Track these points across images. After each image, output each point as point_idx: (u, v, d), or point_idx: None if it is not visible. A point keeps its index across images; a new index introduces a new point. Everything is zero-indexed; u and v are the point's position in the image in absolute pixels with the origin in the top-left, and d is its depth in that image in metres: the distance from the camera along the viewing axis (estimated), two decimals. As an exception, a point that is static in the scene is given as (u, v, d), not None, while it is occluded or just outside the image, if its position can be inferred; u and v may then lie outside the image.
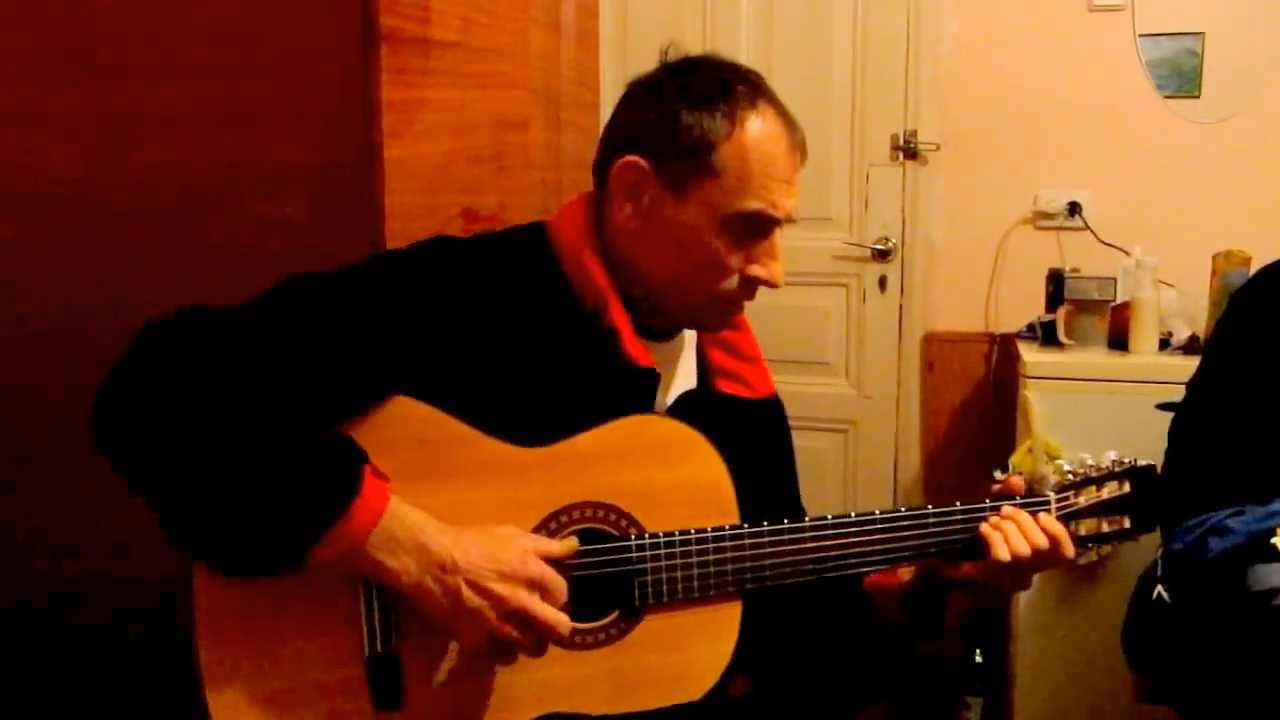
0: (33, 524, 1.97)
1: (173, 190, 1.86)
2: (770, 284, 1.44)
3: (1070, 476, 1.52)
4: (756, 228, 1.41)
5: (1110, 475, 1.52)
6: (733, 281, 1.43)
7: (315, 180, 1.78)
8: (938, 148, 3.51)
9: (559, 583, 1.30)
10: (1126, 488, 1.53)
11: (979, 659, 3.14)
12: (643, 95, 1.47)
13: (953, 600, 1.54)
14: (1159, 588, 1.94)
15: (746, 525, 1.41)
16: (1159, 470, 1.57)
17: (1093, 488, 1.52)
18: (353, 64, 1.74)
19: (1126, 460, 1.54)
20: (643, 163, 1.43)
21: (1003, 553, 1.42)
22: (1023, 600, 2.95)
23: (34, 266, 1.95)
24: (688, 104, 1.41)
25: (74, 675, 2.01)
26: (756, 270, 1.43)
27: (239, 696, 1.29)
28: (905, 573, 1.54)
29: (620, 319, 1.45)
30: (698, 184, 1.40)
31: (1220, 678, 1.83)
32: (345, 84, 1.75)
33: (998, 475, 1.51)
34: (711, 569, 1.39)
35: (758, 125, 1.40)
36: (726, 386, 1.58)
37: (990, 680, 3.13)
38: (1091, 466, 1.53)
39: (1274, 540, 1.80)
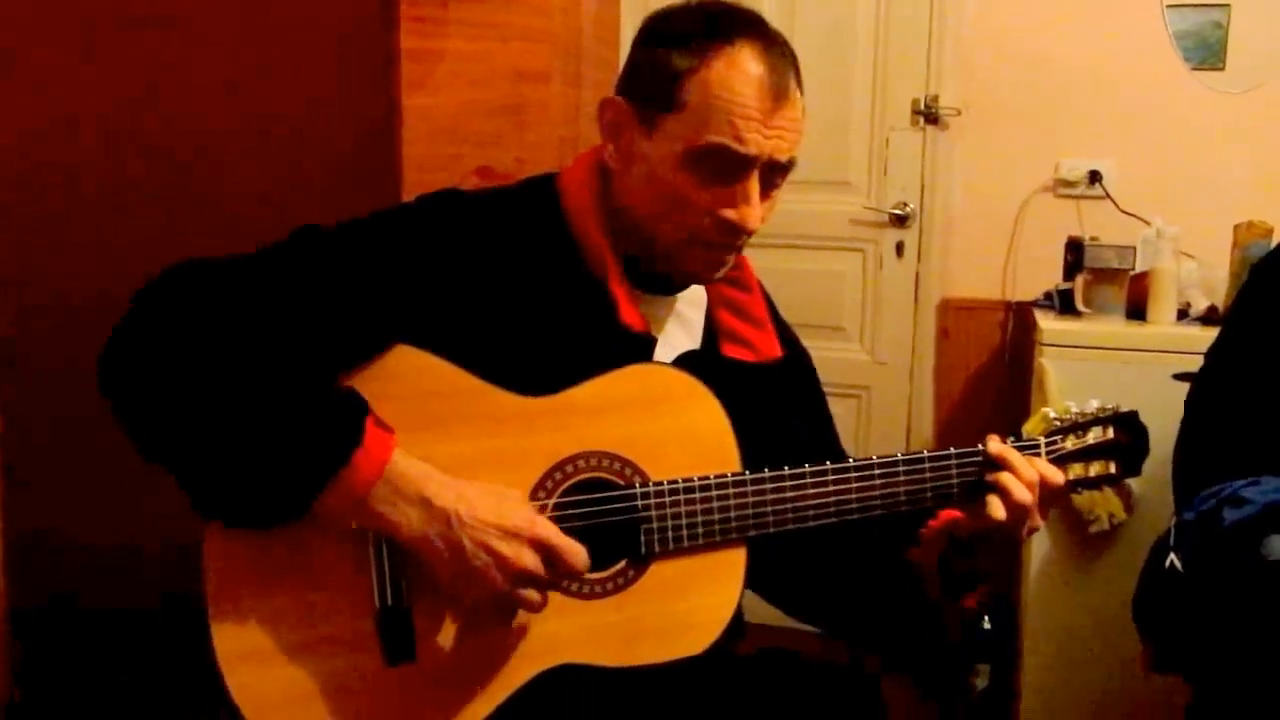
0: (45, 516, 1.99)
1: (186, 152, 1.86)
2: (739, 226, 1.40)
3: (1057, 423, 1.52)
4: (725, 165, 1.38)
5: (1095, 421, 1.53)
6: (704, 220, 1.40)
7: (333, 129, 1.77)
8: (959, 113, 3.48)
9: (571, 545, 1.30)
10: (1111, 433, 1.54)
11: (987, 626, 3.14)
12: (636, 37, 1.47)
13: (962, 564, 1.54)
14: (1172, 556, 1.94)
15: (749, 472, 1.41)
16: (1141, 417, 1.57)
17: (1079, 433, 1.52)
18: (371, 12, 1.73)
19: (1110, 407, 1.54)
20: (620, 101, 1.44)
21: (999, 511, 1.42)
22: (1032, 568, 2.95)
23: (36, 250, 1.96)
24: (663, 41, 1.41)
25: (91, 658, 2.03)
26: (727, 211, 1.39)
27: (249, 651, 1.30)
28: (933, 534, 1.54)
29: (616, 283, 1.44)
30: (664, 119, 1.39)
31: (1233, 647, 1.83)
32: (363, 32, 1.74)
33: (1010, 440, 1.50)
34: (716, 515, 1.40)
35: (725, 59, 1.36)
36: (730, 350, 1.57)
37: (999, 647, 3.13)
38: (1078, 413, 1.53)
39: (1289, 510, 1.80)
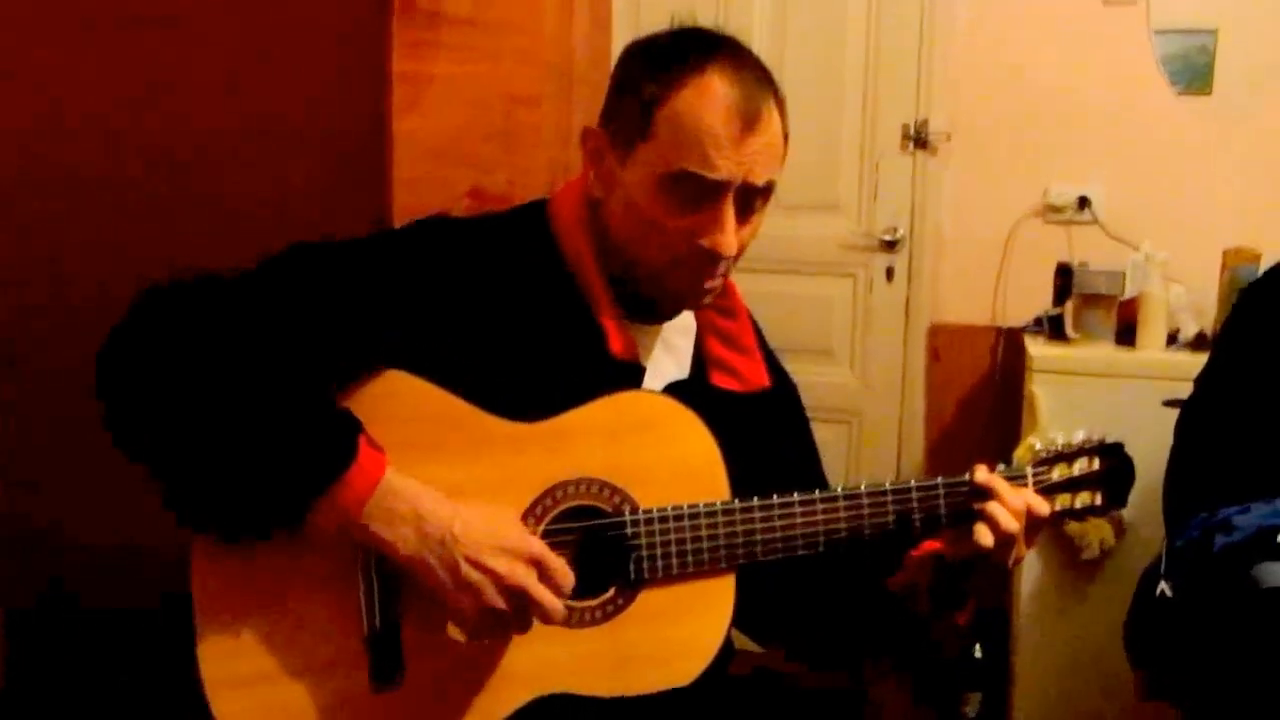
0: (45, 516, 1.98)
1: (185, 153, 1.86)
2: (715, 253, 1.39)
3: (1044, 453, 1.52)
4: (697, 191, 1.37)
5: (1081, 452, 1.53)
6: (680, 247, 1.40)
7: (325, 148, 1.77)
8: (948, 138, 3.49)
9: (562, 566, 1.30)
10: (1096, 464, 1.53)
11: (978, 654, 3.13)
12: (617, 65, 1.48)
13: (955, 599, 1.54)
14: (1163, 583, 1.94)
15: (738, 500, 1.41)
16: (1129, 448, 1.56)
17: (1065, 464, 1.52)
18: (364, 34, 1.73)
19: (1096, 438, 1.54)
20: (599, 130, 1.45)
21: (987, 538, 1.42)
22: (1023, 595, 2.95)
23: (36, 249, 1.95)
24: (638, 70, 1.41)
25: (91, 658, 2.03)
26: (701, 239, 1.39)
27: (236, 676, 1.28)
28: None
29: (605, 311, 1.44)
30: (640, 146, 1.39)
31: (1225, 674, 1.82)
32: (356, 54, 1.74)
33: (1000, 469, 1.50)
34: (705, 543, 1.39)
35: (695, 87, 1.36)
36: (719, 380, 1.57)
37: (990, 675, 3.13)
38: (1064, 444, 1.53)
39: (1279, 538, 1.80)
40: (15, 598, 2.01)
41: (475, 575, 1.25)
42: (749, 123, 1.36)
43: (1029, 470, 1.50)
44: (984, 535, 1.41)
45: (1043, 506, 1.46)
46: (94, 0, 1.88)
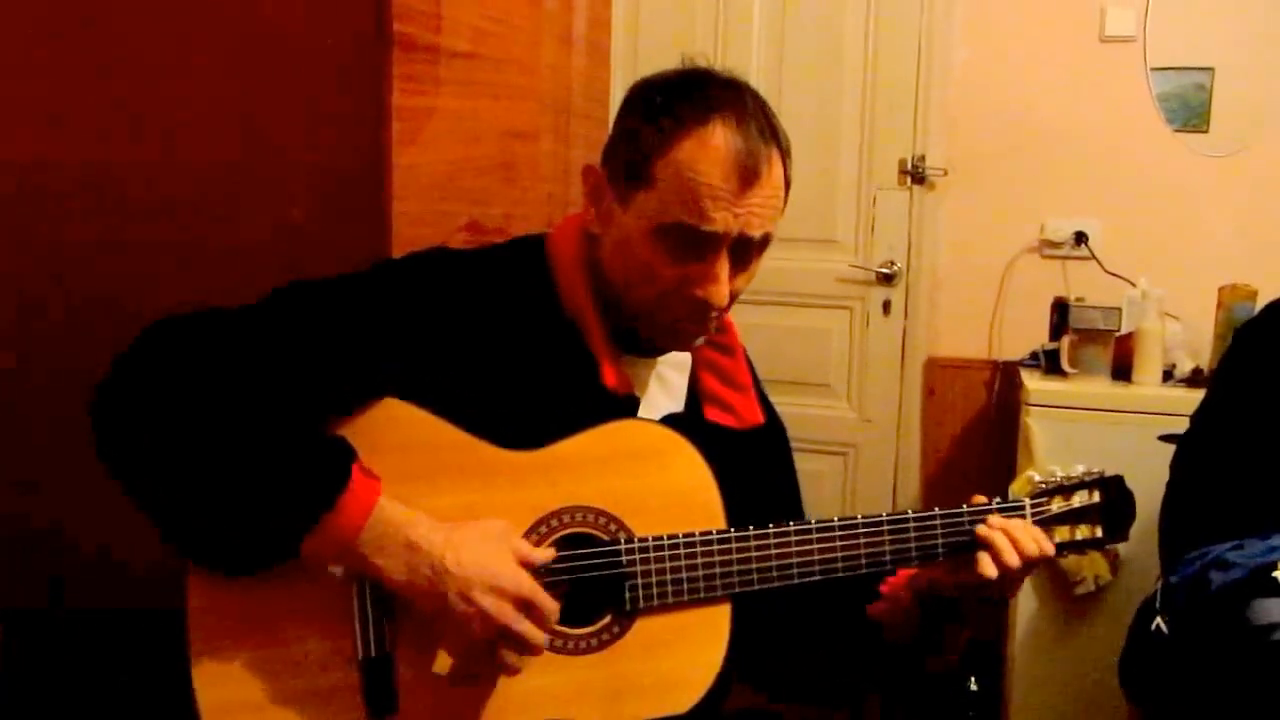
0: (45, 516, 1.98)
1: (183, 189, 1.86)
2: (706, 304, 1.40)
3: (1042, 485, 1.52)
4: (692, 243, 1.37)
5: (1080, 485, 1.53)
6: (672, 294, 1.40)
7: (323, 184, 1.78)
8: (946, 173, 3.51)
9: (549, 604, 1.30)
10: (1096, 497, 1.53)
11: (974, 687, 3.12)
12: (623, 104, 1.48)
13: (950, 632, 1.54)
14: (1158, 619, 1.93)
15: (734, 529, 1.41)
16: (1127, 482, 1.56)
17: (1063, 497, 1.52)
18: (363, 69, 1.74)
19: (1095, 471, 1.55)
20: (600, 170, 1.45)
21: (990, 570, 1.42)
22: (1019, 629, 2.94)
23: (37, 264, 1.96)
24: (640, 116, 1.41)
25: (90, 659, 2.03)
26: (694, 289, 1.39)
27: (232, 704, 1.28)
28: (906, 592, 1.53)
29: (599, 344, 1.45)
30: (637, 194, 1.39)
31: (1219, 711, 1.82)
32: (355, 89, 1.75)
33: (997, 501, 1.51)
34: (700, 572, 1.39)
35: (696, 139, 1.36)
36: (714, 415, 1.57)
37: (985, 709, 3.11)
38: (1063, 477, 1.54)
39: (1275, 574, 1.80)
40: (15, 598, 2.01)
41: (462, 609, 1.26)
42: (748, 178, 1.36)
43: (1028, 502, 1.50)
44: (987, 565, 1.42)
45: (1043, 540, 1.46)
46: (83, 39, 1.89)
